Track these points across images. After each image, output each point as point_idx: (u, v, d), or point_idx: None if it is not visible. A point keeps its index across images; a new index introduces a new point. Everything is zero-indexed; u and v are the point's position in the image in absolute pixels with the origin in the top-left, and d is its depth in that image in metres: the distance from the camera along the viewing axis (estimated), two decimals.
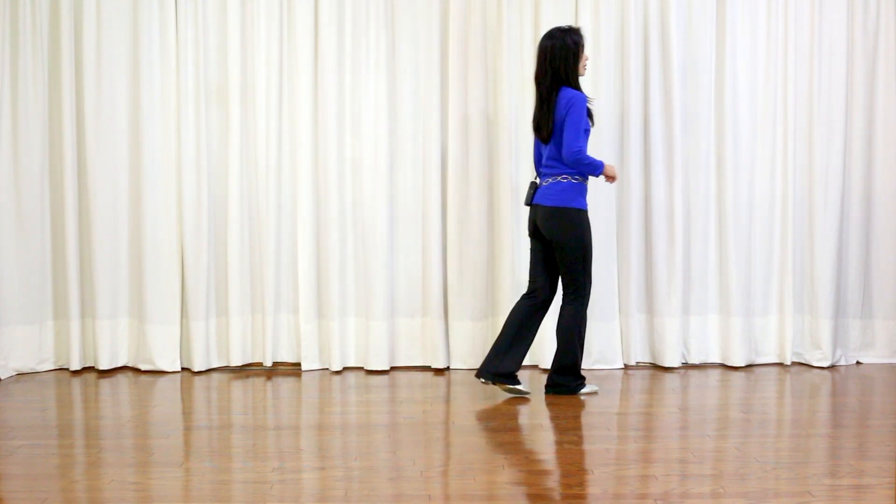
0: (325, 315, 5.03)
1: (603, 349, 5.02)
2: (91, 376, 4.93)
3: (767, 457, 3.51)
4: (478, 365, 4.99)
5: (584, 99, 4.26)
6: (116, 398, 4.57)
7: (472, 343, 5.01)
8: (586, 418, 4.09)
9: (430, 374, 4.96)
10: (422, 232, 5.04)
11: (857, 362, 5.20)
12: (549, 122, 4.28)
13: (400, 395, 4.54)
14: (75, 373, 4.97)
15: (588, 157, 4.27)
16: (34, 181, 4.92)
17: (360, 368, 5.06)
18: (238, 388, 4.72)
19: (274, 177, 4.99)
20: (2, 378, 4.84)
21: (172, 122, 4.96)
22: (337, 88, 4.97)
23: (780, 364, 5.13)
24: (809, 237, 5.10)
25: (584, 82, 4.93)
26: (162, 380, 4.86)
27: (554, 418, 4.09)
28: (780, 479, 3.26)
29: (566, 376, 4.44)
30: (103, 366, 4.98)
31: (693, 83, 5.01)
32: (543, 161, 4.38)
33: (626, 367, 5.06)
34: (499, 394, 4.48)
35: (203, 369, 5.00)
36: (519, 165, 4.99)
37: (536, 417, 4.10)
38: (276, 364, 5.10)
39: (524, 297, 4.45)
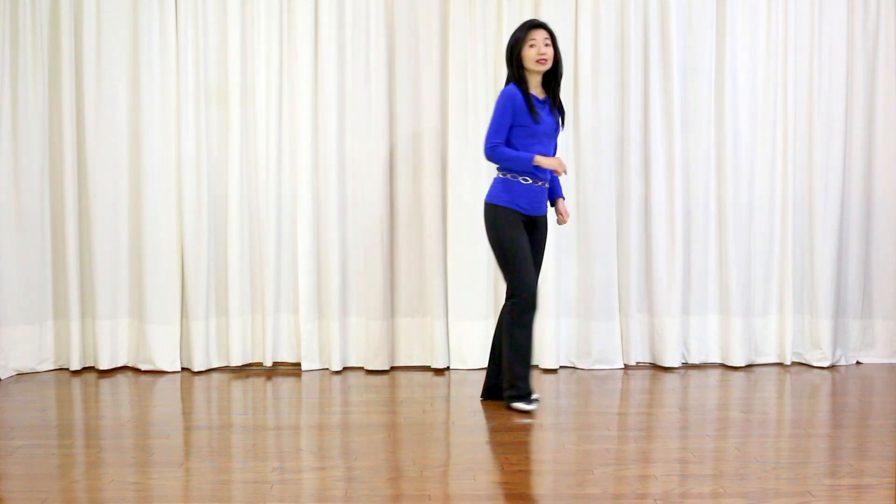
0: (325, 315, 5.03)
1: (603, 349, 5.03)
2: (91, 376, 4.93)
3: (767, 457, 3.51)
4: (478, 365, 5.00)
5: (509, 94, 4.08)
6: (116, 398, 4.57)
7: (472, 343, 5.01)
8: (586, 418, 4.09)
9: (430, 374, 4.96)
10: (422, 232, 5.04)
11: (857, 362, 5.20)
12: None
13: (400, 395, 4.54)
14: (75, 373, 4.97)
15: (505, 152, 4.07)
16: (34, 181, 4.92)
17: (360, 368, 5.06)
18: (238, 388, 4.72)
19: (274, 177, 4.99)
20: (2, 378, 4.84)
21: (172, 122, 4.96)
22: (337, 88, 4.97)
23: (780, 364, 5.13)
24: (809, 237, 5.10)
25: (584, 83, 4.95)
26: (162, 380, 4.86)
27: (554, 418, 4.09)
28: (780, 479, 3.26)
29: (506, 382, 4.22)
30: (103, 366, 4.98)
31: (693, 83, 5.01)
32: None
33: (626, 367, 5.07)
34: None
35: (203, 369, 5.00)
36: None
37: (536, 417, 4.10)
38: (276, 364, 5.10)
39: (505, 300, 4.24)
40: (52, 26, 4.93)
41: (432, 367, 5.04)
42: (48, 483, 3.25)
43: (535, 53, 4.07)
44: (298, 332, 5.07)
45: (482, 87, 4.96)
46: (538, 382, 4.68)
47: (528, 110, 4.08)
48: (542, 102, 4.16)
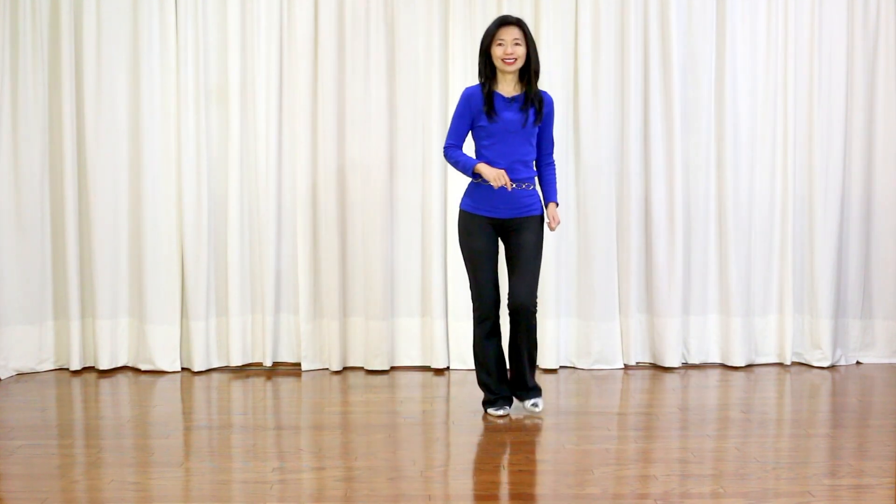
0: (325, 315, 5.03)
1: (603, 349, 5.03)
2: (91, 376, 4.93)
3: (767, 457, 3.51)
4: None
5: (466, 94, 3.99)
6: (116, 398, 4.57)
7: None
8: (586, 418, 4.09)
9: (430, 374, 4.96)
10: (422, 232, 5.04)
11: (857, 362, 5.20)
12: None
13: (400, 395, 4.54)
14: (75, 373, 4.97)
15: (453, 155, 4.01)
16: (34, 181, 4.92)
17: (360, 368, 5.06)
18: (238, 388, 4.72)
19: (274, 176, 4.99)
20: (2, 378, 4.84)
21: (172, 122, 4.96)
22: (337, 88, 4.96)
23: (780, 364, 5.13)
24: (809, 237, 5.10)
25: (584, 82, 4.95)
26: (162, 380, 4.86)
27: (554, 418, 4.09)
28: (780, 479, 3.26)
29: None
30: (103, 366, 4.98)
31: (693, 83, 5.01)
32: None
33: (626, 367, 5.06)
34: None
35: (203, 369, 4.99)
36: None
37: (536, 417, 4.10)
38: (276, 364, 5.10)
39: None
40: (52, 26, 4.92)
41: (432, 367, 5.04)
42: (48, 483, 3.25)
43: (502, 53, 3.92)
44: (298, 332, 5.07)
45: None
46: (538, 382, 4.67)
47: (484, 110, 3.95)
48: (509, 100, 3.98)
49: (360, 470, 3.38)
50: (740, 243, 5.06)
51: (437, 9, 4.96)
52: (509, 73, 3.97)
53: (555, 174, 4.14)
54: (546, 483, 3.28)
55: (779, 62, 5.04)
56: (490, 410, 4.14)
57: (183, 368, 5.05)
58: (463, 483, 3.26)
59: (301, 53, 4.95)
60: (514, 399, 4.20)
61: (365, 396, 4.52)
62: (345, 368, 5.06)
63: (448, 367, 5.05)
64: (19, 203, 4.92)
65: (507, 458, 3.54)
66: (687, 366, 5.10)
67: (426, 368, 5.07)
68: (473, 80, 4.91)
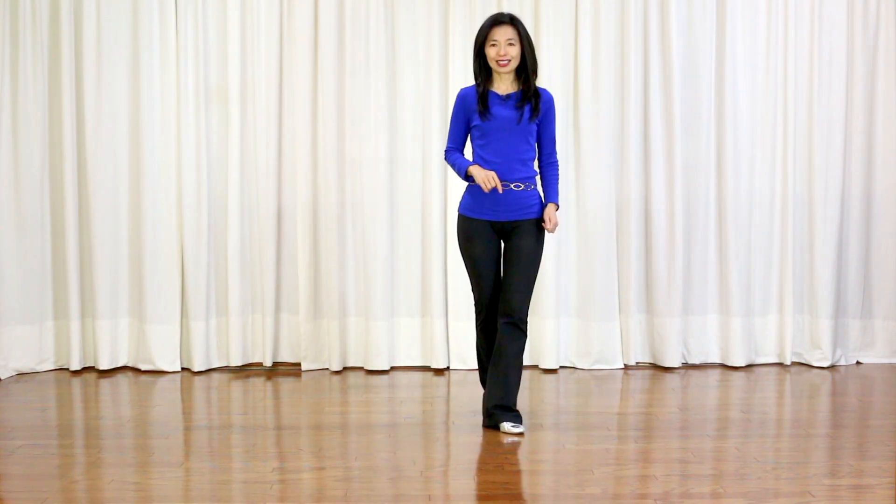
0: (325, 315, 5.03)
1: (603, 349, 5.02)
2: (91, 376, 4.93)
3: (767, 457, 3.51)
4: (478, 365, 4.99)
5: (459, 96, 3.94)
6: (116, 398, 4.57)
7: (471, 343, 5.00)
8: (586, 418, 4.09)
9: (430, 374, 4.96)
10: (422, 232, 5.04)
11: (857, 362, 5.19)
12: None
13: (400, 395, 4.54)
14: (75, 373, 4.97)
15: (450, 157, 3.96)
16: (34, 181, 4.92)
17: (360, 368, 5.06)
18: (238, 388, 4.72)
19: (274, 176, 4.99)
20: (2, 378, 4.84)
21: (172, 122, 4.96)
22: (336, 88, 4.96)
23: (780, 364, 5.13)
24: (809, 237, 5.10)
25: (584, 82, 4.95)
26: (162, 380, 4.86)
27: (554, 418, 4.09)
28: (780, 479, 3.26)
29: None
30: (103, 366, 4.98)
31: (693, 83, 5.01)
32: None
33: (626, 367, 5.06)
34: None
35: (203, 369, 4.99)
36: None
37: (536, 417, 4.10)
38: (276, 364, 5.10)
39: None
40: (52, 26, 4.92)
41: (432, 367, 5.04)
42: (48, 483, 3.25)
43: (495, 54, 3.83)
44: (298, 332, 5.07)
45: None
46: (538, 382, 4.68)
47: (478, 109, 3.86)
48: (504, 97, 3.90)
49: (360, 470, 3.38)
50: (740, 243, 5.06)
51: (437, 9, 4.96)
52: (504, 73, 3.90)
53: (557, 174, 4.01)
54: (546, 483, 3.28)
55: (779, 62, 5.04)
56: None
57: (183, 368, 5.05)
58: (463, 483, 3.26)
59: (301, 53, 4.95)
60: (489, 418, 3.91)
61: (365, 396, 4.52)
62: (345, 368, 5.06)
63: (448, 367, 5.05)
64: (19, 203, 4.92)
65: (507, 458, 3.54)
66: (687, 366, 5.10)
67: (426, 368, 5.07)
68: (474, 78, 4.93)
